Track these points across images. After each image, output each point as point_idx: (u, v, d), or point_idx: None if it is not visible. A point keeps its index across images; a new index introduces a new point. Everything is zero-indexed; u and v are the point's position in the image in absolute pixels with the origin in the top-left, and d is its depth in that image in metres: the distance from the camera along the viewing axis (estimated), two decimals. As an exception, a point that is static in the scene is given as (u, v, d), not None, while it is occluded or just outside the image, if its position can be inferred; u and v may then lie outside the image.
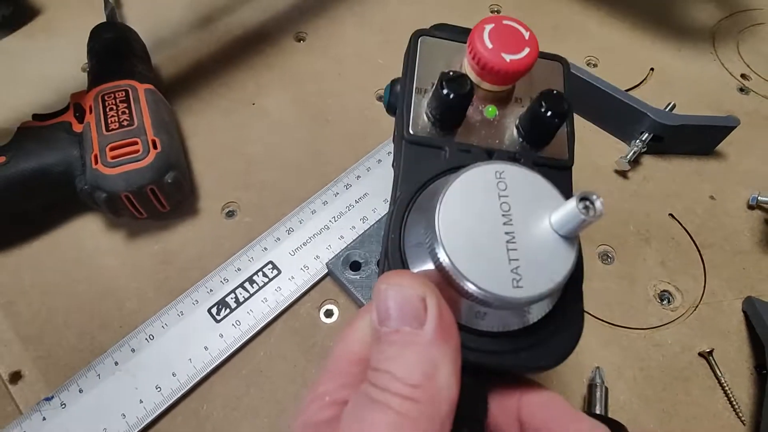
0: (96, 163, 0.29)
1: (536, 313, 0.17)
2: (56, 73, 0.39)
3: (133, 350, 0.28)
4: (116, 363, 0.27)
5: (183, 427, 0.27)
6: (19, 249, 0.32)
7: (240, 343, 0.28)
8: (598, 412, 0.26)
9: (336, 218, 0.33)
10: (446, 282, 0.15)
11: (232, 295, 0.30)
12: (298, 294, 0.30)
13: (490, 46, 0.18)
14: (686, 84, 0.41)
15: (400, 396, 0.13)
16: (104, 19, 0.39)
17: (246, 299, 0.30)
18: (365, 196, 0.34)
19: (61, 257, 0.31)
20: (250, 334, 0.29)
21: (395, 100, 0.21)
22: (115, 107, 0.31)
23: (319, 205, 0.33)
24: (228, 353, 0.28)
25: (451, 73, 0.18)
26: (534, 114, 0.18)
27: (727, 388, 0.27)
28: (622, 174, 0.36)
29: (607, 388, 0.27)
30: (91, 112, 0.31)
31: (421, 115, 0.19)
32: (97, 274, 0.31)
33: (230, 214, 0.33)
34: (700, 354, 0.29)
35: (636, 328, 0.30)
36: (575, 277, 0.17)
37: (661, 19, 0.45)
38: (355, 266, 0.30)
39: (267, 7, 0.45)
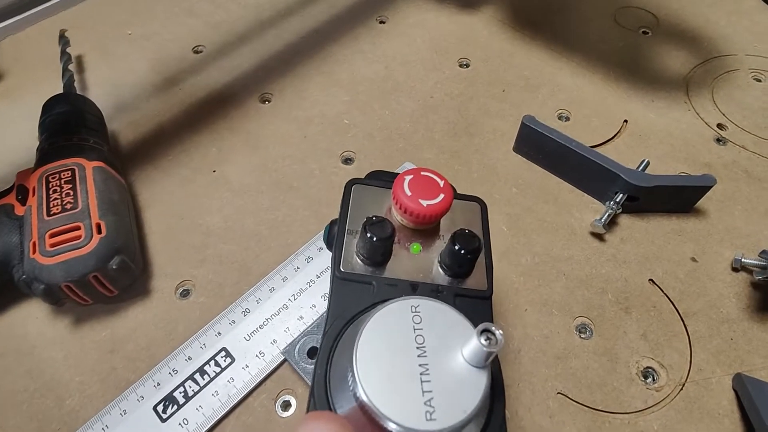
0: (34, 252, 0.27)
1: None
2: (10, 147, 0.38)
3: (68, 458, 0.25)
4: (49, 474, 0.25)
5: None
6: (-45, 341, 0.30)
7: (187, 446, 0.26)
8: None
9: (296, 296, 0.31)
10: (367, 417, 0.16)
11: (181, 389, 0.27)
12: (253, 385, 0.28)
13: (409, 193, 0.21)
14: (661, 136, 0.40)
15: None
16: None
17: (195, 393, 0.27)
18: (327, 270, 0.32)
19: (0, 349, 0.29)
20: (199, 435, 0.26)
21: (332, 239, 0.23)
22: (59, 189, 0.29)
23: (278, 281, 0.31)
24: (173, 458, 0.26)
25: (374, 218, 0.20)
26: (450, 251, 0.21)
27: (720, 481, 0.25)
28: (599, 237, 0.34)
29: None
30: (34, 194, 0.30)
31: (352, 254, 0.22)
32: (37, 368, 0.29)
33: (184, 294, 0.31)
34: (688, 442, 0.26)
35: (619, 413, 0.27)
36: (497, 402, 0.18)
37: (634, 69, 0.44)
38: (314, 352, 0.28)
39: (232, 68, 0.44)
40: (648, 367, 0.29)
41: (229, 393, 0.27)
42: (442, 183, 0.22)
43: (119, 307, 0.31)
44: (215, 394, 0.27)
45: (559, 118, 0.41)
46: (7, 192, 0.31)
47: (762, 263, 0.31)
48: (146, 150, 0.38)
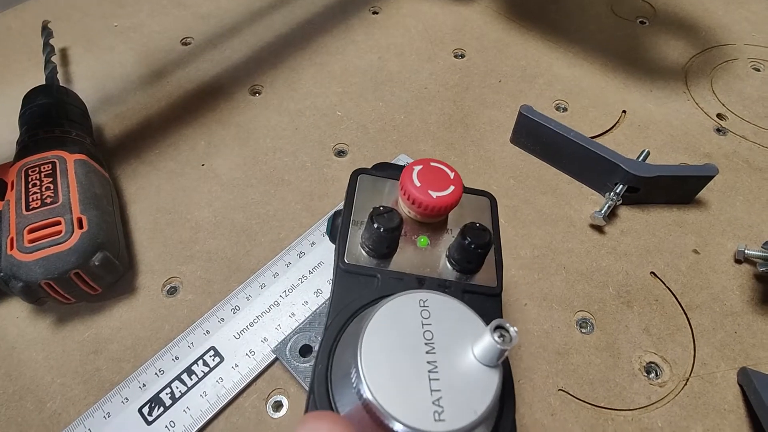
0: (11, 248, 0.26)
1: None
2: (-11, 140, 0.36)
3: (49, 464, 0.24)
4: (28, 481, 0.24)
5: None
6: (-69, 343, 0.28)
7: (174, 449, 0.25)
8: None
9: (287, 292, 0.30)
10: (371, 417, 0.14)
11: (168, 390, 0.26)
12: (243, 385, 0.27)
13: (418, 184, 0.20)
14: (660, 126, 0.39)
15: None
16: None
17: (183, 394, 0.26)
18: (320, 265, 0.31)
19: (-22, 351, 0.28)
20: (186, 437, 0.25)
21: (336, 231, 0.22)
22: (38, 182, 0.28)
23: (269, 277, 0.30)
24: (159, 462, 0.24)
25: (381, 208, 0.20)
26: (459, 245, 0.20)
27: (727, 478, 0.24)
28: (598, 229, 0.33)
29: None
30: (12, 188, 0.28)
31: (356, 246, 0.21)
32: (17, 370, 0.27)
33: (171, 291, 0.30)
34: (694, 438, 0.26)
35: (622, 410, 0.26)
36: (507, 406, 0.17)
37: (632, 58, 0.44)
38: (306, 350, 0.27)
39: (222, 60, 0.43)
40: (651, 362, 0.28)
41: (218, 393, 0.26)
42: (452, 174, 0.21)
43: (103, 306, 0.30)
44: (203, 395, 0.26)
45: (557, 108, 0.40)
46: (-15, 187, 0.29)
47: (765, 254, 0.30)
48: (132, 143, 0.37)
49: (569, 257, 0.32)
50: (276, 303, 0.29)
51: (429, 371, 0.15)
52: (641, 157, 0.34)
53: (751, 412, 0.26)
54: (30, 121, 0.32)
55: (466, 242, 0.19)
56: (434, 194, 0.20)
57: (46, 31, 0.40)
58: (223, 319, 0.29)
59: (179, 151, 0.37)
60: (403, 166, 0.22)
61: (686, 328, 0.29)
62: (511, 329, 0.15)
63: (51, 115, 0.32)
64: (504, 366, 0.16)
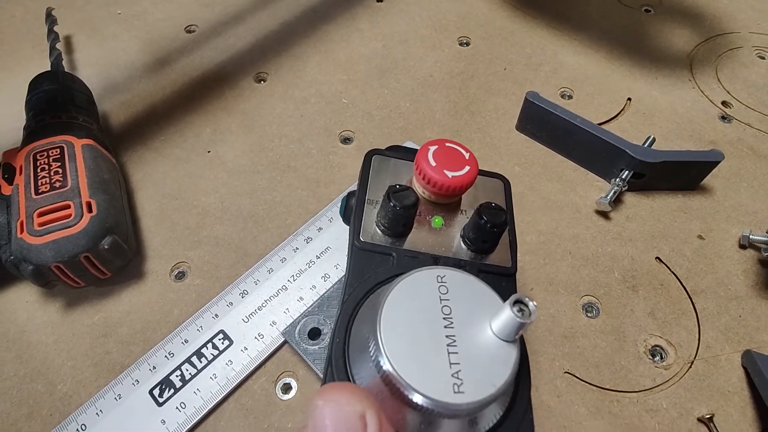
0: (21, 231, 0.26)
1: (482, 425, 0.16)
2: (-5, 126, 0.36)
3: (61, 444, 0.24)
4: (41, 461, 0.24)
5: None
6: (-59, 326, 0.28)
7: (185, 430, 0.25)
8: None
9: (295, 277, 0.30)
10: (389, 390, 0.14)
11: (178, 373, 0.27)
12: (252, 367, 0.27)
13: (433, 164, 0.20)
14: (666, 114, 0.39)
15: None
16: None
17: (193, 376, 0.26)
18: (327, 250, 0.31)
19: (-11, 334, 0.28)
20: (197, 418, 0.25)
21: (350, 212, 0.23)
22: (47, 167, 0.28)
23: (277, 262, 0.30)
24: (170, 443, 0.25)
25: (397, 186, 0.20)
26: (475, 224, 0.20)
27: (731, 458, 0.25)
28: (604, 215, 0.33)
29: (598, 466, 0.24)
30: (21, 172, 0.28)
31: (371, 225, 0.21)
32: (27, 353, 0.28)
33: (180, 276, 0.30)
34: (699, 420, 0.26)
35: (627, 392, 0.27)
36: (522, 384, 0.17)
37: (637, 46, 0.44)
38: (315, 333, 0.27)
39: (227, 48, 0.43)
40: (656, 346, 0.28)
41: (227, 376, 0.27)
42: (467, 155, 0.21)
43: (112, 290, 0.30)
44: (213, 377, 0.26)
45: (562, 96, 0.40)
46: (-7, 171, 0.29)
47: (770, 239, 0.30)
48: (138, 130, 0.37)
49: (575, 243, 0.32)
50: (284, 287, 0.29)
51: (448, 345, 0.15)
52: (647, 143, 0.34)
53: (755, 394, 0.26)
54: (36, 106, 0.32)
55: (482, 221, 0.19)
56: (450, 174, 0.20)
57: (50, 18, 0.40)
58: (231, 303, 0.29)
59: (185, 138, 0.37)
60: (416, 150, 0.22)
61: (691, 312, 0.29)
62: (531, 303, 0.15)
63: (57, 101, 0.32)
64: (520, 344, 0.16)
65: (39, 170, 0.28)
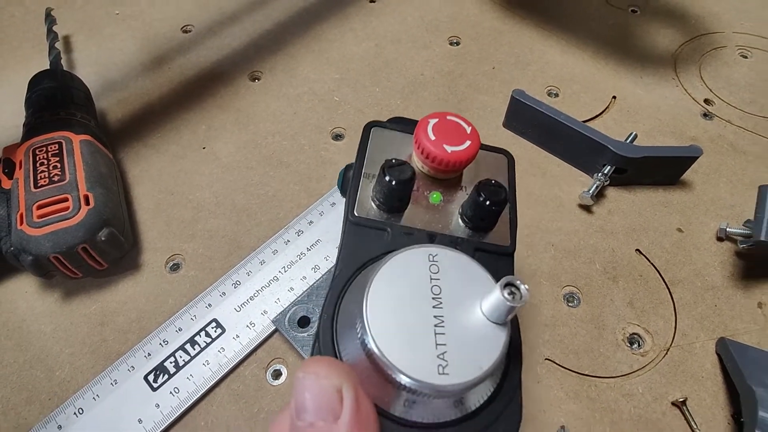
0: (21, 223, 0.27)
1: (468, 404, 0.15)
2: (-4, 123, 0.37)
3: (59, 427, 0.25)
4: (40, 442, 0.25)
5: None
6: (-57, 316, 0.29)
7: (178, 413, 0.26)
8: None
9: (286, 268, 0.31)
10: (375, 368, 0.15)
11: (172, 359, 0.28)
12: (244, 354, 0.28)
13: (433, 138, 0.19)
14: (649, 111, 0.40)
15: None
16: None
17: (186, 363, 0.27)
18: (317, 242, 0.32)
19: (-10, 323, 0.29)
20: (190, 402, 0.26)
21: (347, 184, 0.22)
22: (46, 161, 0.29)
23: (269, 254, 0.31)
24: (164, 426, 0.26)
25: (393, 161, 0.19)
26: (473, 202, 0.19)
27: (703, 440, 0.26)
28: (587, 209, 0.34)
29: (575, 448, 0.25)
30: (20, 167, 0.29)
31: (367, 199, 0.20)
32: (27, 341, 0.29)
33: (174, 268, 0.31)
34: (673, 403, 0.27)
35: (605, 377, 0.28)
36: (513, 366, 0.17)
37: (623, 46, 0.45)
38: (304, 322, 0.28)
39: (222, 47, 0.44)
40: (634, 334, 0.29)
41: (219, 362, 0.28)
42: (469, 129, 0.20)
43: (109, 281, 0.31)
44: (206, 364, 0.27)
45: (549, 94, 0.41)
46: (-6, 166, 0.30)
47: (746, 232, 0.31)
48: (135, 127, 0.38)
49: (558, 235, 0.33)
50: (275, 278, 0.30)
51: (435, 325, 0.15)
52: (629, 140, 0.35)
53: (727, 379, 0.27)
54: (36, 103, 0.33)
55: (481, 199, 0.18)
56: (449, 149, 0.19)
57: (50, 18, 0.41)
58: (224, 293, 0.30)
59: (180, 134, 0.38)
60: (418, 121, 0.21)
61: (668, 301, 0.30)
62: (522, 286, 0.14)
63: (56, 99, 0.33)
64: (513, 326, 0.16)
65: (38, 165, 0.29)
